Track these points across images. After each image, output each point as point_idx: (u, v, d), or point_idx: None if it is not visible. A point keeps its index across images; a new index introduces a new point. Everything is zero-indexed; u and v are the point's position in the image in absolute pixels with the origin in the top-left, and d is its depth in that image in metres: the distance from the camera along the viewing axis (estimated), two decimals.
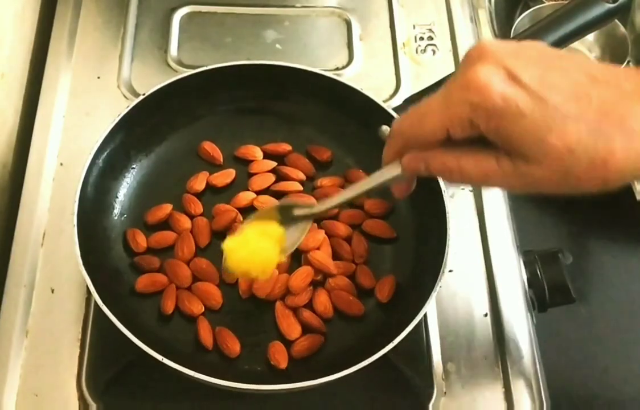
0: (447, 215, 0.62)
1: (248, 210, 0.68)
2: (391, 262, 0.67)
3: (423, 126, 0.46)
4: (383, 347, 0.56)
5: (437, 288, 0.59)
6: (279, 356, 0.60)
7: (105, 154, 0.66)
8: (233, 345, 0.61)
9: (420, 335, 0.65)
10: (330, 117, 0.73)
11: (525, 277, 0.70)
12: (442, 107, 0.45)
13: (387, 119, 0.68)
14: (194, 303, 0.62)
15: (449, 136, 0.45)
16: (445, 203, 0.63)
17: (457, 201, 0.73)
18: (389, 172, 0.51)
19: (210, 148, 0.71)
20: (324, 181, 0.70)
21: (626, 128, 0.42)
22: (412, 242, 0.67)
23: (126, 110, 0.67)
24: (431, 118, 0.46)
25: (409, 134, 0.48)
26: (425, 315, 0.66)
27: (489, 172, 0.45)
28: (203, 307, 0.63)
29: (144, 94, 0.68)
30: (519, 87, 0.42)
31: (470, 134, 0.44)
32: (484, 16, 0.91)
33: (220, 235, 0.65)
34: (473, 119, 0.43)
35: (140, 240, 0.65)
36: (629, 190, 0.77)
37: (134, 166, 0.70)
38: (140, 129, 0.69)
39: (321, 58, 0.85)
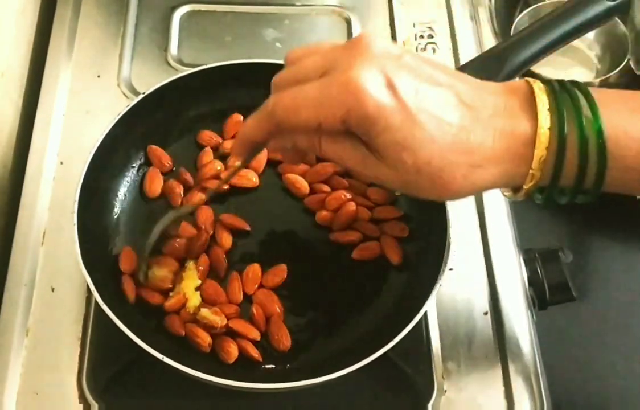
0: (447, 213, 0.62)
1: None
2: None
3: (298, 117, 0.47)
4: (383, 345, 0.56)
5: (437, 286, 0.59)
6: (284, 338, 0.61)
7: (105, 153, 0.66)
8: (232, 350, 0.61)
9: (421, 333, 0.65)
10: None
11: (525, 275, 0.70)
12: (318, 103, 0.46)
13: None
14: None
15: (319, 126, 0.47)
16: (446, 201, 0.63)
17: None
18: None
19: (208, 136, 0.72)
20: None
21: (471, 160, 0.46)
22: (413, 239, 0.67)
23: (126, 110, 0.67)
24: (306, 111, 0.47)
25: (283, 120, 0.48)
26: (425, 314, 0.66)
27: (345, 156, 0.49)
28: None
29: (143, 93, 0.68)
30: (393, 98, 0.45)
31: (340, 129, 0.47)
32: (484, 14, 0.91)
33: None
34: (345, 120, 0.46)
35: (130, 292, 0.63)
36: None
37: (134, 165, 0.70)
38: (140, 127, 0.69)
39: None
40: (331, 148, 0.49)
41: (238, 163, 0.59)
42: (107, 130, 0.65)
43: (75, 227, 0.60)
